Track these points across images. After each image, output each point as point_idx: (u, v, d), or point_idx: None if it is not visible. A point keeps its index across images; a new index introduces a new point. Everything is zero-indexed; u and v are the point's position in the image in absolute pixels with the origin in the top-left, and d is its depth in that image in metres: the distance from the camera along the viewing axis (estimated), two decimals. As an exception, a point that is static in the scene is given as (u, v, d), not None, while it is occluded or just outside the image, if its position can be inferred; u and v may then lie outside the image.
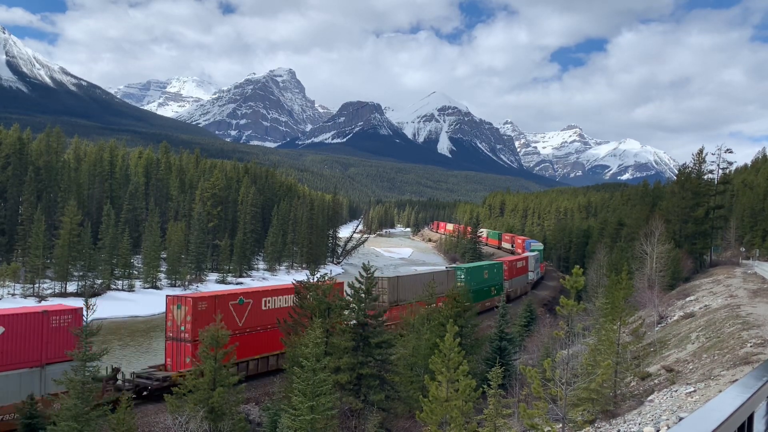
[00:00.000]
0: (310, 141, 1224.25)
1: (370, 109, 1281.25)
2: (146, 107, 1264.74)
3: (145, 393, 32.22)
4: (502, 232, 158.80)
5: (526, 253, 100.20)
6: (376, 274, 31.80)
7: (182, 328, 34.07)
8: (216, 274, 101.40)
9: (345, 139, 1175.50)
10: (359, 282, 30.21)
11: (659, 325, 37.62)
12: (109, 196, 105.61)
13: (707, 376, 19.83)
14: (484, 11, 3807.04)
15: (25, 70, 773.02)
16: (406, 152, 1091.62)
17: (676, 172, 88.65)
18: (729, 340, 24.19)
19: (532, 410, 17.69)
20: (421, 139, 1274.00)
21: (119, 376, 32.62)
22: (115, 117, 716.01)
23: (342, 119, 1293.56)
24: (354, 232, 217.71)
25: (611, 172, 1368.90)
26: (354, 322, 29.69)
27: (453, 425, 19.92)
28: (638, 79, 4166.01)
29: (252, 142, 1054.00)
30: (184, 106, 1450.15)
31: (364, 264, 31.26)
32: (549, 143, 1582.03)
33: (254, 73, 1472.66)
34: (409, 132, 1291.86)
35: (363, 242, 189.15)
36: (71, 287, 77.03)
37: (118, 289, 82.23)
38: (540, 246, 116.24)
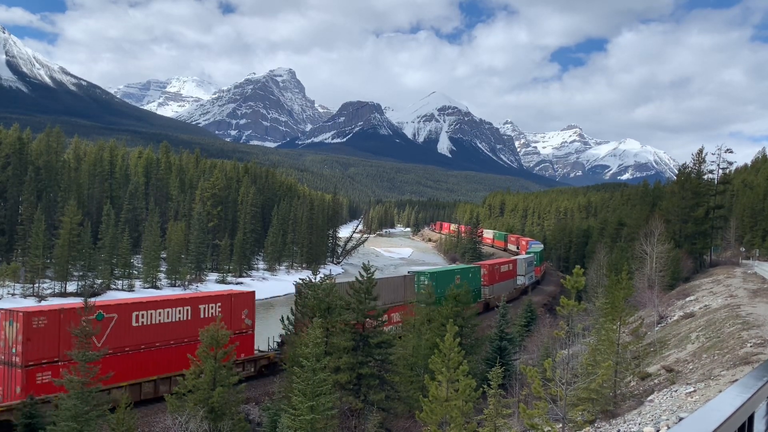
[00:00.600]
0: (310, 141, 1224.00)
1: (370, 109, 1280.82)
2: (146, 107, 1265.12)
3: None
4: (508, 234, 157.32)
5: (517, 256, 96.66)
6: (376, 275, 31.76)
7: (13, 350, 27.43)
8: (216, 274, 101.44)
9: (345, 139, 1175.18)
10: (360, 282, 30.24)
11: (659, 325, 37.62)
12: (109, 195, 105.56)
13: (707, 376, 19.83)
14: (484, 11, 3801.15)
15: (25, 70, 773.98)
16: (406, 152, 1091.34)
17: (676, 172, 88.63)
18: (729, 340, 24.19)
19: (532, 410, 17.71)
20: (421, 139, 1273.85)
21: None
22: (115, 117, 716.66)
23: (342, 119, 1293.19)
24: (354, 232, 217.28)
25: (611, 172, 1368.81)
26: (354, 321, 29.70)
27: (453, 425, 19.92)
28: (638, 79, 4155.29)
29: (252, 142, 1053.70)
30: (184, 106, 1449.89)
31: (364, 264, 31.27)
32: (549, 143, 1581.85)
33: (254, 73, 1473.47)
34: (409, 132, 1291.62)
35: (363, 242, 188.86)
36: (71, 287, 77.01)
37: (117, 289, 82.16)
38: (538, 247, 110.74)
